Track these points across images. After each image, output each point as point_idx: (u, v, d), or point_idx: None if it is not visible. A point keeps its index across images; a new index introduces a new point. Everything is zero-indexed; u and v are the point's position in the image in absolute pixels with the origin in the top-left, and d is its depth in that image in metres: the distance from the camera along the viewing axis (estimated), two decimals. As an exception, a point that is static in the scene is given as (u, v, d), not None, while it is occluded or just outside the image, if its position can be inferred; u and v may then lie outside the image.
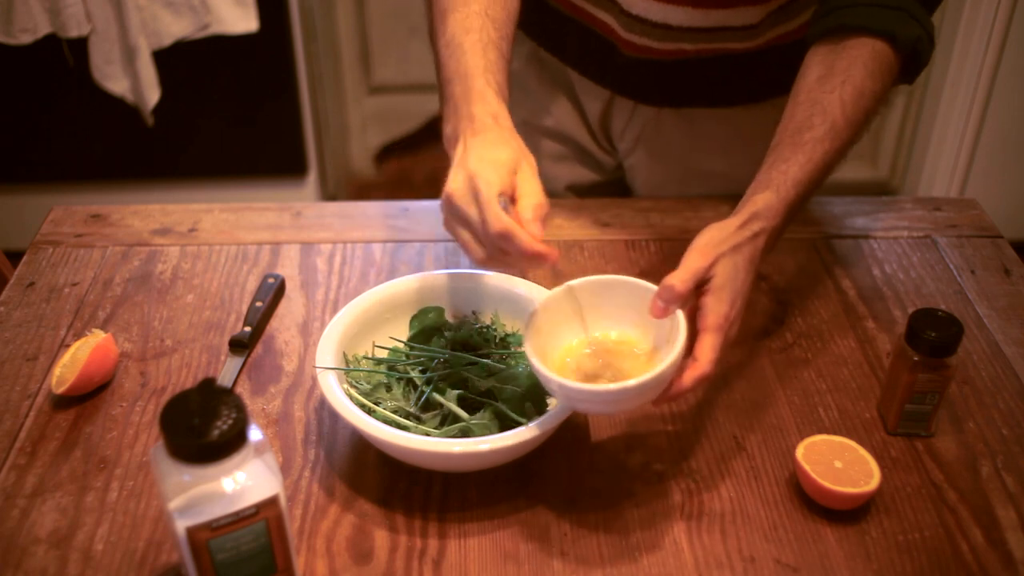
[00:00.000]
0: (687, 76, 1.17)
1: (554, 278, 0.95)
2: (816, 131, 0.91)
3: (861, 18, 0.95)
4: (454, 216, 0.84)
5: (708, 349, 0.81)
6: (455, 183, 0.83)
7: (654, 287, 0.83)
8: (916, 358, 0.87)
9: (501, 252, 0.81)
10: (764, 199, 0.88)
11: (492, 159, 0.83)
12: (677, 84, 1.19)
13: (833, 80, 0.94)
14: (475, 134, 0.86)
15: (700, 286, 0.84)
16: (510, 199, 0.83)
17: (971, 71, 2.25)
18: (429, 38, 1.00)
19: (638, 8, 1.09)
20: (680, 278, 0.82)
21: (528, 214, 0.81)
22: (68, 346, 0.97)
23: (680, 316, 0.82)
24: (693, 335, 0.82)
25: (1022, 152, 2.34)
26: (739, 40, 1.12)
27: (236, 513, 0.67)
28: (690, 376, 0.80)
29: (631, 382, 0.78)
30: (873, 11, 0.95)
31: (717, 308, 0.82)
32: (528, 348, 0.83)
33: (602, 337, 0.88)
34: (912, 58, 0.97)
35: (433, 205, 1.24)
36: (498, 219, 0.79)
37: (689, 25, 1.09)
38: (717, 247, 0.84)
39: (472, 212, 0.81)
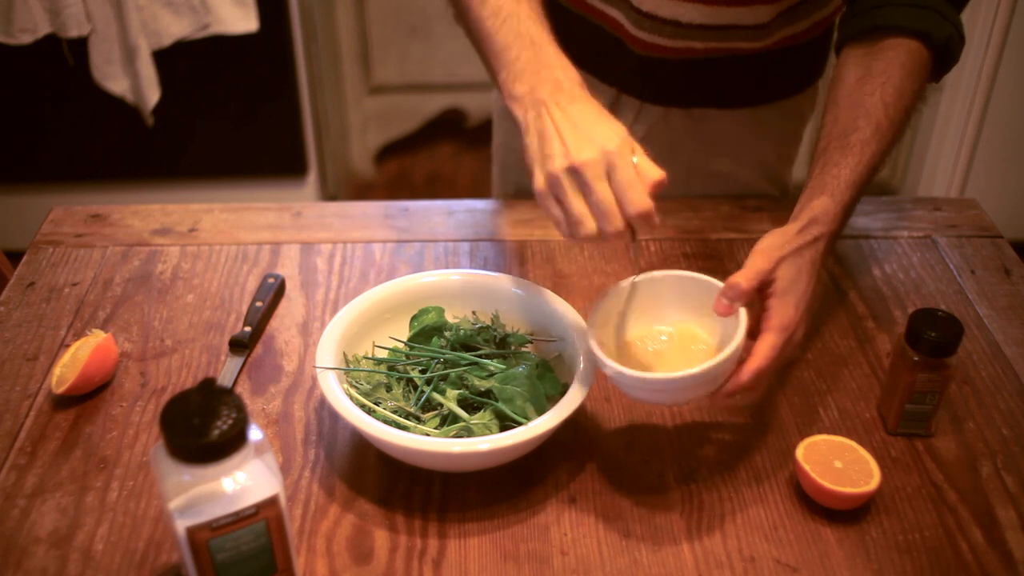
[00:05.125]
0: (695, 76, 1.17)
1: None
2: (862, 133, 0.93)
3: (895, 18, 0.96)
4: (574, 187, 0.80)
5: (766, 346, 0.82)
6: (586, 154, 0.79)
7: (721, 284, 0.84)
8: (916, 358, 0.87)
9: (621, 229, 0.80)
10: (821, 204, 0.89)
11: (617, 134, 0.81)
12: (685, 84, 1.19)
13: (873, 82, 0.95)
14: (572, 101, 0.83)
15: (763, 289, 0.85)
16: None
17: (971, 71, 2.25)
18: (456, 14, 0.99)
19: (649, 5, 1.09)
20: (745, 276, 0.83)
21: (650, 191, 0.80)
22: (68, 346, 0.97)
23: (743, 313, 0.82)
24: (756, 336, 0.83)
25: (1022, 152, 2.34)
26: (748, 40, 1.12)
27: (236, 513, 0.67)
28: (746, 370, 0.81)
29: (685, 372, 0.78)
30: (906, 11, 0.96)
31: (782, 311, 0.83)
32: (590, 335, 0.83)
33: (667, 330, 0.89)
34: (943, 56, 0.98)
35: (433, 205, 1.24)
36: (644, 200, 0.78)
37: (700, 23, 1.09)
38: (779, 250, 0.85)
39: (602, 187, 0.79)
